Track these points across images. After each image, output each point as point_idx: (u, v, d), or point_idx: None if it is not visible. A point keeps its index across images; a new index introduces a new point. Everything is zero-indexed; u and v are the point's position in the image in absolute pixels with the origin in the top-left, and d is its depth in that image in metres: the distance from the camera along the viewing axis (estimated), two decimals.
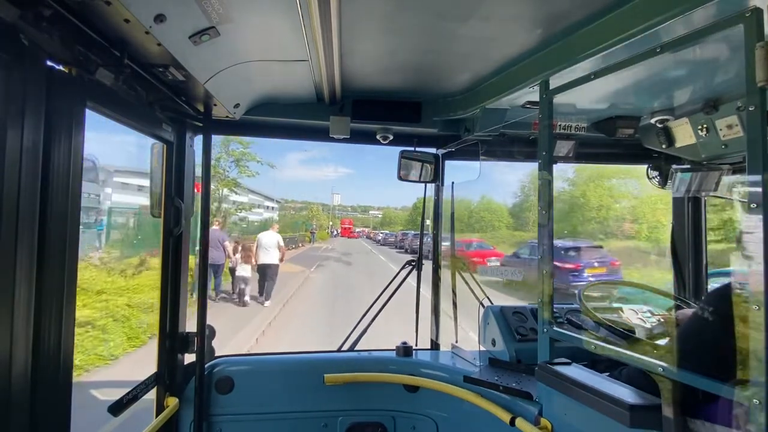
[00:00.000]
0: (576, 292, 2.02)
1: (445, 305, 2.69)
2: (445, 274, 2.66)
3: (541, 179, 1.66)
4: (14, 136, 1.08)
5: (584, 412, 1.46)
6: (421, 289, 2.73)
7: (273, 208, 72.84)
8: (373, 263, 25.31)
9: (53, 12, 1.10)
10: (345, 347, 2.58)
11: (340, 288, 14.93)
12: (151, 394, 1.98)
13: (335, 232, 77.28)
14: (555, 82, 1.64)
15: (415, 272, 2.73)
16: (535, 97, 1.76)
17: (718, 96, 1.89)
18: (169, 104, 1.88)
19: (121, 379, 5.77)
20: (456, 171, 2.73)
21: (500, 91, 1.93)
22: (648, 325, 1.95)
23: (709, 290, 2.56)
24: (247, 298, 10.93)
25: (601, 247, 14.86)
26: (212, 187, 2.25)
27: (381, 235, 59.57)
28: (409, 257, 2.85)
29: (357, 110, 2.34)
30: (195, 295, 2.26)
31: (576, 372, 1.56)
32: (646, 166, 2.67)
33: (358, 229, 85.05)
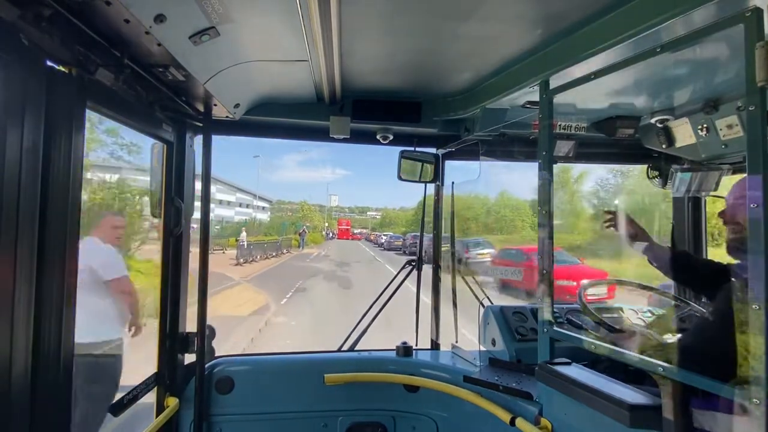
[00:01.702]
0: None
1: (446, 305, 2.69)
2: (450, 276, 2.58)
3: (541, 179, 1.66)
4: (14, 136, 1.08)
5: (584, 412, 1.46)
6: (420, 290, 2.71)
7: (264, 208, 70.69)
8: (383, 279, 12.19)
9: (53, 12, 1.10)
10: (345, 347, 2.58)
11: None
12: (152, 395, 1.98)
13: (331, 234, 72.15)
14: (555, 82, 1.64)
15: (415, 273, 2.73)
16: (535, 97, 1.76)
17: (718, 96, 1.89)
18: (169, 104, 1.88)
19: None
20: (456, 171, 2.61)
21: (500, 91, 1.93)
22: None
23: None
24: None
25: None
26: None
27: (384, 237, 51.49)
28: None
29: (357, 110, 2.34)
30: None
31: (576, 372, 1.56)
32: (646, 166, 2.67)
33: (356, 230, 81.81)
